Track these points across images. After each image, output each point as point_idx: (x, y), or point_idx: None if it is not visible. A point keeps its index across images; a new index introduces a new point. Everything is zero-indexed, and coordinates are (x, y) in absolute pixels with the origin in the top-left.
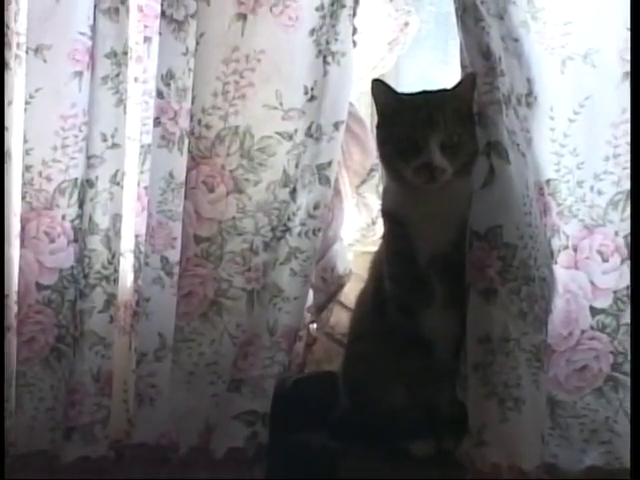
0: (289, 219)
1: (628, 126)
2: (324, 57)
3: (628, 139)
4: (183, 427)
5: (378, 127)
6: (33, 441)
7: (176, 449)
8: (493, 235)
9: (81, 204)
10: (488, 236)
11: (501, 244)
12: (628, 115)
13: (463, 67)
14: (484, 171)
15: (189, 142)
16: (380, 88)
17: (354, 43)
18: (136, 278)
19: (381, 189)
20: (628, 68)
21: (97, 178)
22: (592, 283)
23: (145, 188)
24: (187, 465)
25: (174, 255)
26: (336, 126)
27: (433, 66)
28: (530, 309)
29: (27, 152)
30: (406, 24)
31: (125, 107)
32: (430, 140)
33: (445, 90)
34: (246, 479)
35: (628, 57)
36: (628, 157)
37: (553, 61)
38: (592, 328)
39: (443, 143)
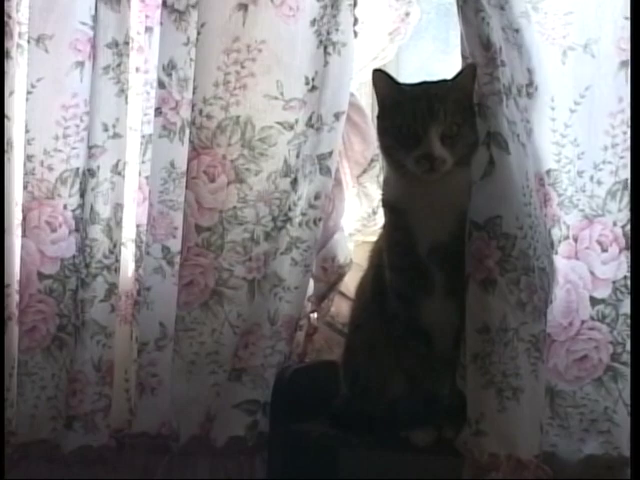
0: (290, 209)
1: (625, 116)
2: (325, 47)
3: (625, 128)
4: (184, 416)
5: (379, 117)
6: (34, 430)
7: (177, 438)
8: (492, 225)
9: (82, 194)
10: (487, 226)
11: (500, 234)
12: (624, 104)
13: (464, 58)
14: (484, 162)
15: (190, 132)
16: (381, 78)
17: (355, 33)
18: (137, 267)
19: (382, 179)
20: (625, 57)
21: (98, 168)
22: (592, 273)
23: (146, 178)
24: (188, 454)
25: (175, 245)
26: (337, 116)
27: (434, 56)
28: (529, 299)
29: (29, 142)
30: (407, 14)
31: (126, 97)
32: (430, 131)
33: (445, 81)
34: (246, 468)
35: (625, 46)
36: (625, 146)
37: (554, 51)
38: (592, 318)
39: (443, 134)
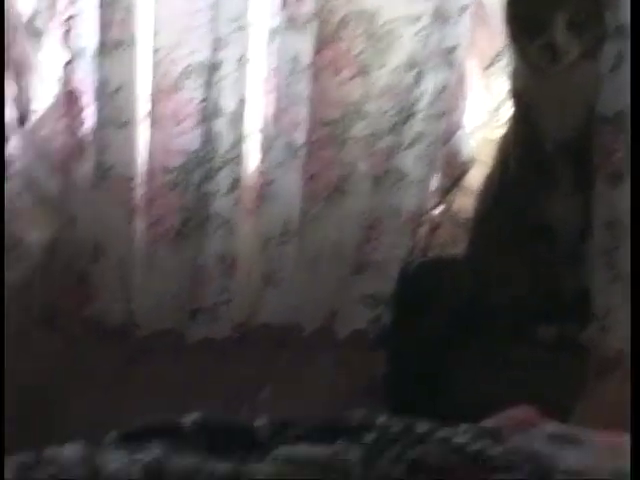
0: (414, 103)
1: None
2: None
3: None
4: (307, 310)
5: (507, 4)
6: (158, 321)
7: (300, 331)
8: (621, 118)
9: (207, 87)
10: (616, 120)
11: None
12: None
13: None
14: (612, 54)
15: (315, 25)
16: None
17: None
18: (261, 161)
19: (508, 72)
20: None
21: (222, 61)
22: None
23: (271, 71)
24: (310, 347)
25: (299, 138)
26: (463, 9)
27: None
28: None
29: (154, 35)
30: None
31: None
32: (556, 17)
33: None
34: (368, 361)
35: None
36: None
37: None
38: None
39: (570, 20)
